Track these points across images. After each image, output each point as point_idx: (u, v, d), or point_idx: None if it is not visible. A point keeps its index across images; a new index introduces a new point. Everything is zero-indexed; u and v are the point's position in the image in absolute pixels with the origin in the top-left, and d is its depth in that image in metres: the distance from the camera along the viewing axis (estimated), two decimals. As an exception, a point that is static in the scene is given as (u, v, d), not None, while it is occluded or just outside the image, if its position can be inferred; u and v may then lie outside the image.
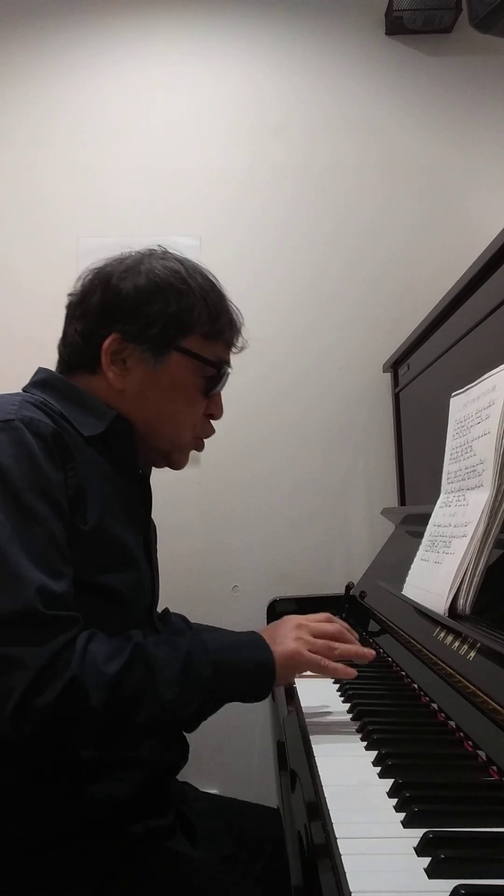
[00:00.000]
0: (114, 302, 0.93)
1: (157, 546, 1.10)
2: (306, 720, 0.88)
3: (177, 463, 1.02)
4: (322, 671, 0.83)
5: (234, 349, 1.03)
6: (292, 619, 0.92)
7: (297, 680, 1.08)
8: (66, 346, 0.98)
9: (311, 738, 0.82)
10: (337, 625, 0.92)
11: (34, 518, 0.77)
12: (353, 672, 0.84)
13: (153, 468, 1.06)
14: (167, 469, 1.04)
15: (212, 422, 1.03)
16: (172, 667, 0.78)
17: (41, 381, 0.95)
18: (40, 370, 0.97)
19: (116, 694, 0.74)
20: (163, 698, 0.75)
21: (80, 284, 0.98)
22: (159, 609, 1.19)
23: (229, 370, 1.02)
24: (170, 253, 0.99)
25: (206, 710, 0.81)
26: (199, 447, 1.03)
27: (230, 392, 1.06)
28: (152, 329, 0.92)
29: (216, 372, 0.98)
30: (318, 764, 0.73)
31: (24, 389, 0.94)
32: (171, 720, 0.78)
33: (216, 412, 1.02)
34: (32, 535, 0.76)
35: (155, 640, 0.82)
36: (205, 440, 1.04)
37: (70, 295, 0.99)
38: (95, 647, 0.75)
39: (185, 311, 0.93)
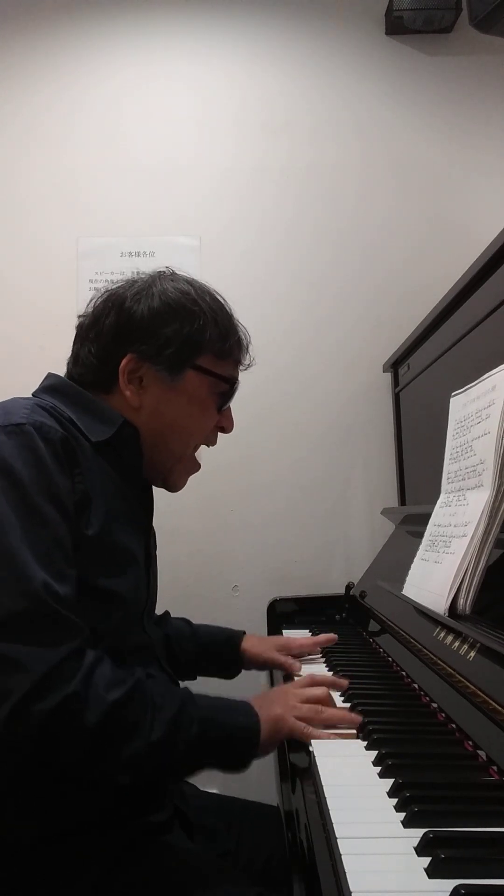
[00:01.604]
0: (129, 323, 0.95)
1: (158, 547, 1.10)
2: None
3: (174, 485, 1.04)
4: (305, 739, 0.82)
5: (241, 366, 1.05)
6: (281, 688, 0.94)
7: (296, 679, 1.08)
8: (77, 365, 0.99)
9: (311, 738, 0.82)
10: (324, 688, 0.91)
11: (42, 521, 0.78)
12: (333, 736, 0.81)
13: None
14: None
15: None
16: (165, 710, 0.78)
17: (51, 386, 0.97)
18: (50, 375, 0.99)
19: (111, 720, 0.74)
20: (151, 738, 0.76)
21: (90, 307, 1.00)
22: (160, 612, 1.19)
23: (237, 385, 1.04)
24: (178, 274, 1.01)
25: (186, 764, 0.81)
26: (196, 468, 1.06)
27: (230, 392, 1.06)
28: (168, 349, 0.95)
29: (229, 388, 1.01)
30: (318, 764, 0.73)
31: (34, 394, 0.95)
32: (153, 762, 0.78)
33: (227, 425, 1.05)
34: (40, 537, 0.77)
35: (154, 681, 0.83)
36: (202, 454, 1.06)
37: (80, 317, 1.01)
38: (101, 671, 0.76)
39: (198, 332, 0.96)
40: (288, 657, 1.16)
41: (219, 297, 1.01)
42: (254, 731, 0.82)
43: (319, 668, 1.15)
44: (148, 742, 0.76)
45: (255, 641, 1.21)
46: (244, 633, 1.23)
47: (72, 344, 1.01)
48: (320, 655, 1.23)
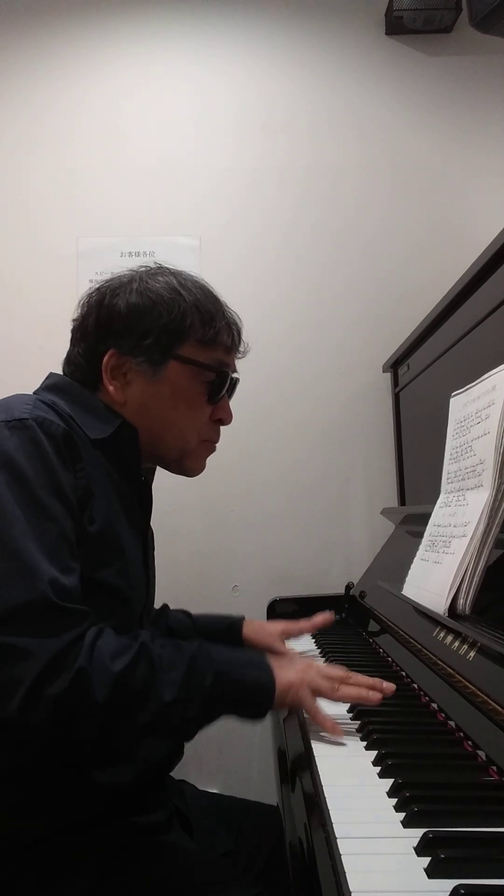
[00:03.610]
0: (108, 320, 0.95)
1: (158, 547, 1.11)
2: (306, 720, 0.88)
3: (190, 469, 1.02)
4: (311, 714, 0.82)
5: (237, 353, 1.03)
6: (305, 659, 0.92)
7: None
8: (69, 365, 1.00)
9: (311, 738, 0.82)
10: (345, 670, 0.90)
11: (47, 515, 0.79)
12: (339, 732, 0.80)
13: (156, 472, 1.07)
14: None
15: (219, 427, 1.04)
16: (176, 670, 0.79)
17: (52, 384, 0.97)
18: (51, 375, 0.99)
19: (120, 690, 0.75)
20: (162, 699, 0.76)
21: (79, 309, 1.00)
22: (157, 604, 1.19)
23: (235, 376, 1.03)
24: (164, 268, 1.01)
25: (202, 718, 0.81)
26: (211, 450, 1.04)
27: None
28: (146, 340, 0.94)
29: (216, 376, 0.98)
30: (318, 764, 0.73)
31: (35, 393, 0.96)
32: (169, 723, 0.78)
33: (224, 417, 1.03)
34: (45, 530, 0.78)
35: (162, 641, 0.83)
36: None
37: (73, 320, 1.01)
38: (103, 643, 0.77)
39: (177, 320, 0.94)
40: (289, 647, 1.17)
41: (204, 285, 1.00)
42: (268, 689, 0.82)
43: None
44: (160, 704, 0.76)
45: (255, 627, 1.22)
46: (244, 618, 1.23)
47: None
48: (318, 652, 1.23)
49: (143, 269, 1.00)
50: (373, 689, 0.84)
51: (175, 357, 0.95)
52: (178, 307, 0.94)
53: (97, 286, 0.99)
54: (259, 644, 1.18)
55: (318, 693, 0.83)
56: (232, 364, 1.03)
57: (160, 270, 1.00)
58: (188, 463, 1.01)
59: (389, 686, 0.85)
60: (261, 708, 0.83)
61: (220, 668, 0.81)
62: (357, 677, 0.87)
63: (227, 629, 1.21)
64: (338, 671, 0.88)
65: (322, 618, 1.26)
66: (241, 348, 1.04)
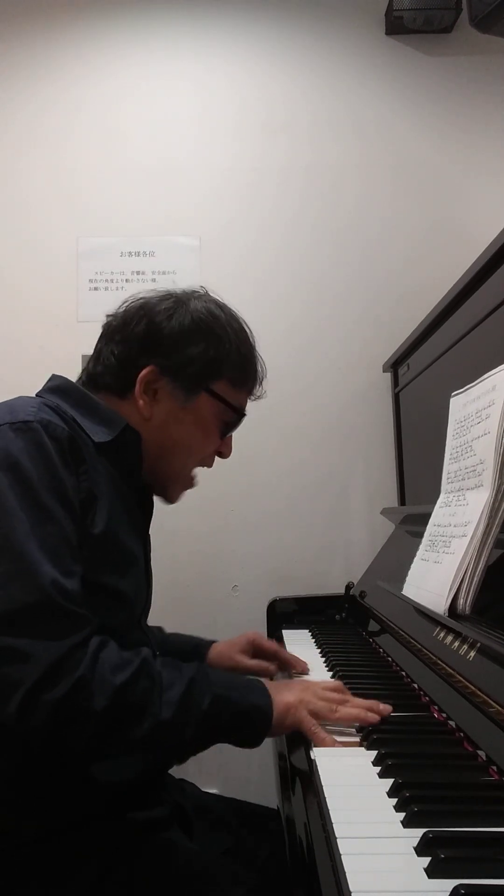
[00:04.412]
0: (157, 335, 0.96)
1: (158, 547, 1.11)
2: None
3: (172, 496, 1.06)
4: (310, 736, 0.81)
5: (251, 398, 1.08)
6: (302, 681, 0.92)
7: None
8: (97, 364, 1.01)
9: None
10: (341, 690, 0.89)
11: (50, 517, 0.79)
12: (338, 744, 0.79)
13: None
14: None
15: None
16: (174, 689, 0.79)
17: (55, 387, 0.98)
18: (54, 377, 1.00)
19: (118, 703, 0.75)
20: (160, 717, 0.77)
21: (121, 310, 1.01)
22: (159, 613, 1.19)
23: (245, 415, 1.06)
24: (210, 295, 1.03)
25: (197, 741, 0.81)
26: (193, 484, 1.07)
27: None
28: (190, 368, 0.96)
29: (236, 417, 1.03)
30: (317, 764, 0.73)
31: (38, 394, 0.96)
32: (163, 741, 0.78)
33: (226, 451, 1.08)
34: (48, 533, 0.78)
35: (162, 660, 0.84)
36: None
37: (109, 316, 1.02)
38: (106, 655, 0.77)
39: (220, 357, 0.98)
40: (261, 662, 1.15)
41: (245, 327, 1.03)
42: (266, 712, 0.82)
43: (318, 664, 1.15)
44: (157, 722, 0.76)
45: (221, 648, 1.19)
46: (213, 642, 1.21)
47: (96, 342, 1.02)
48: (319, 653, 1.23)
49: (192, 291, 1.02)
50: (370, 711, 0.84)
51: (208, 390, 0.98)
52: (223, 345, 0.98)
53: (150, 296, 1.01)
54: (223, 666, 1.15)
55: (315, 716, 0.83)
56: (246, 407, 1.07)
57: (207, 298, 1.02)
58: (174, 489, 1.05)
59: (386, 707, 0.84)
60: (258, 731, 0.83)
61: (217, 691, 0.81)
62: (355, 700, 0.86)
63: (192, 650, 1.19)
64: (335, 693, 0.87)
65: (297, 662, 1.15)
66: (257, 394, 1.08)
